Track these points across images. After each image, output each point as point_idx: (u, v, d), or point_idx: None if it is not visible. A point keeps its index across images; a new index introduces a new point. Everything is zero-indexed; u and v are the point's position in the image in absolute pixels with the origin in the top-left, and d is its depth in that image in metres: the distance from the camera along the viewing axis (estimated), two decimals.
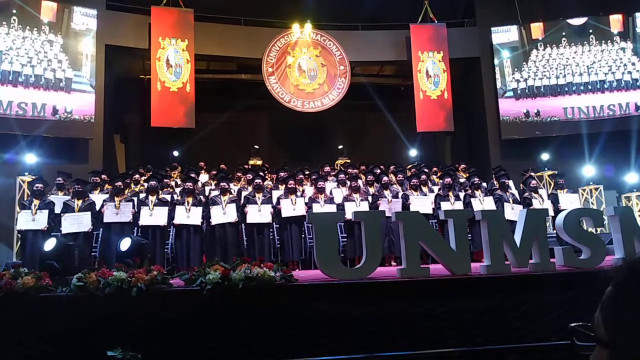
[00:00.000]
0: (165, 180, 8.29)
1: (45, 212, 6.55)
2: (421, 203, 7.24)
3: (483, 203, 7.22)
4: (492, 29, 11.92)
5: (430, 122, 11.81)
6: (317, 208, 6.96)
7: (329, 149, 12.36)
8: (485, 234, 4.05)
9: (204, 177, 9.44)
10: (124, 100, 11.79)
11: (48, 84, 9.63)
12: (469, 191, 7.69)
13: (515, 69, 11.79)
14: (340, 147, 12.33)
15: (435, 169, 9.74)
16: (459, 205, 7.24)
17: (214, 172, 9.32)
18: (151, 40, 10.63)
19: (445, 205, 7.14)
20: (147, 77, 11.54)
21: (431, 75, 11.85)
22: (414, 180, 7.81)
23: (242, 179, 8.76)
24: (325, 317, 3.60)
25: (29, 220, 6.50)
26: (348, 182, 7.84)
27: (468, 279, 3.90)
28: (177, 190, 8.16)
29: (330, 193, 7.64)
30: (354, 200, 7.21)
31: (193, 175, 8.44)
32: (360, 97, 12.52)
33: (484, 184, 8.08)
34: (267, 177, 8.80)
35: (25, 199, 7.87)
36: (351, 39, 12.15)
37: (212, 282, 3.47)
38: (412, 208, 7.05)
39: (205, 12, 11.26)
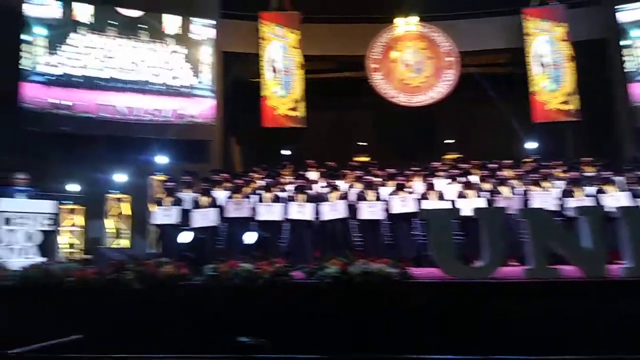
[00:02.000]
0: (278, 178, 8.67)
1: (177, 207, 7.20)
2: (543, 200, 6.74)
3: (616, 199, 6.52)
4: (618, 6, 10.70)
5: (548, 112, 10.95)
6: (428, 205, 6.81)
7: (437, 144, 12.04)
8: (626, 233, 3.67)
9: (313, 175, 9.71)
10: (239, 103, 12.56)
11: (173, 91, 10.60)
12: (598, 186, 7.01)
13: None
14: (450, 141, 11.94)
15: (556, 162, 9.01)
16: (587, 202, 6.63)
17: (323, 170, 9.55)
18: (259, 44, 11.18)
19: (570, 202, 6.59)
20: (258, 80, 12.17)
21: (548, 60, 10.97)
22: (533, 175, 7.30)
23: (351, 176, 8.87)
24: (443, 315, 3.54)
25: (163, 215, 7.21)
26: (460, 178, 7.56)
27: (605, 281, 3.56)
28: (290, 187, 8.52)
29: (441, 190, 7.43)
30: (467, 197, 6.94)
31: (303, 172, 8.74)
32: (469, 89, 11.99)
33: (618, 178, 7.29)
34: (376, 173, 8.80)
35: (159, 196, 8.73)
36: (459, 29, 11.68)
37: (331, 276, 3.57)
38: (533, 205, 6.60)
39: (309, 12, 11.56)
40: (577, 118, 10.90)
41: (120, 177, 10.09)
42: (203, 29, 10.96)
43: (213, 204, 7.27)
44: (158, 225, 7.39)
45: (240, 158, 13.26)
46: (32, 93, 9.70)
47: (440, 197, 7.10)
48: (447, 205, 6.85)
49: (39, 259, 5.83)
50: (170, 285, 3.79)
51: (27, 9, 9.84)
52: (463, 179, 7.44)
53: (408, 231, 7.03)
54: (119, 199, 9.98)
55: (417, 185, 7.89)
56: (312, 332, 3.64)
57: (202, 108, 10.66)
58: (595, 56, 11.47)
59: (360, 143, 12.28)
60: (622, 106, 10.68)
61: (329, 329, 3.61)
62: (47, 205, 6.42)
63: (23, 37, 9.78)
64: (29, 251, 6.01)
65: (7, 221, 5.92)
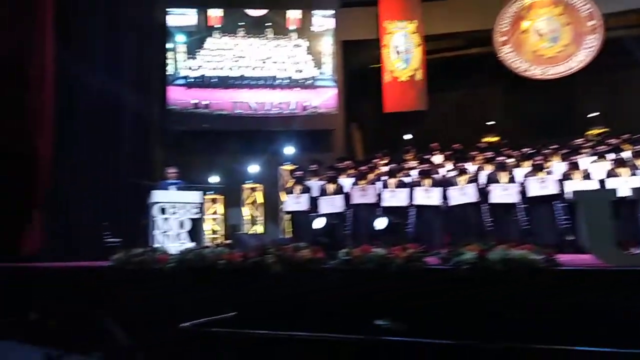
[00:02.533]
0: (402, 164, 8.59)
1: (306, 195, 7.54)
2: None
3: None
4: None
5: None
6: (571, 186, 6.23)
7: (577, 119, 10.88)
8: None
9: (438, 158, 9.44)
10: (359, 90, 12.64)
11: (298, 84, 11.05)
12: None
13: None
14: (593, 115, 10.71)
15: None
16: None
17: (449, 153, 9.23)
18: (379, 27, 11.12)
19: None
20: (378, 65, 12.11)
21: None
22: None
23: (480, 158, 8.44)
24: (596, 306, 3.21)
25: (294, 202, 7.60)
26: (608, 155, 6.77)
27: None
28: (414, 172, 8.39)
29: (587, 169, 6.73)
30: (618, 176, 6.20)
31: (428, 156, 8.54)
32: (615, 54, 10.60)
33: None
34: (508, 154, 8.27)
35: (289, 185, 9.19)
36: None
37: (468, 262, 3.44)
38: None
39: None
40: None
41: (253, 168, 10.85)
42: (323, 20, 11.22)
43: (339, 191, 7.47)
44: (289, 212, 7.81)
45: (361, 145, 13.37)
46: (176, 95, 10.85)
47: (586, 176, 6.44)
48: (594, 185, 6.20)
49: (190, 244, 6.53)
50: (307, 268, 3.97)
51: (170, 20, 10.98)
52: (612, 156, 6.64)
53: (547, 215, 6.51)
54: (253, 189, 10.74)
55: (557, 165, 7.25)
56: (446, 318, 3.57)
57: (324, 98, 10.97)
58: None
59: (489, 123, 11.58)
60: None
61: (463, 315, 3.50)
62: (194, 196, 7.14)
63: (168, 45, 10.96)
64: (181, 237, 6.76)
65: (163, 211, 6.70)
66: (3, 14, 8.08)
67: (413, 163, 9.22)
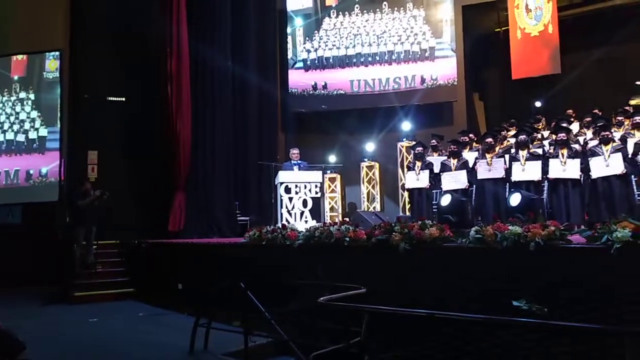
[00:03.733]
0: (535, 134, 7.93)
1: (427, 172, 7.34)
2: None
3: None
4: None
5: None
6: None
7: None
8: None
9: (575, 126, 8.56)
10: (482, 58, 11.89)
11: (415, 57, 10.71)
12: None
13: None
14: None
15: None
16: None
17: (588, 119, 8.30)
18: None
19: None
20: (503, 28, 11.21)
21: None
22: None
23: (627, 123, 7.46)
24: None
25: (415, 179, 7.45)
26: None
27: None
28: (546, 142, 7.69)
29: None
30: None
31: (564, 125, 7.75)
32: None
33: None
34: None
35: (408, 161, 9.03)
36: None
37: (622, 241, 3.07)
38: None
39: None
40: None
41: (370, 146, 10.84)
42: None
43: (462, 166, 7.15)
44: (410, 190, 7.68)
45: (485, 117, 12.61)
46: (296, 78, 11.19)
47: None
48: None
49: (313, 222, 6.77)
50: (434, 246, 3.88)
51: (289, 4, 11.30)
52: None
53: None
54: (370, 166, 10.75)
55: None
56: (593, 304, 3.24)
57: (443, 69, 10.48)
58: None
59: (637, 82, 10.14)
60: None
61: (614, 299, 3.15)
62: (315, 175, 7.37)
63: (288, 30, 11.32)
64: (305, 215, 7.04)
65: (288, 190, 7.03)
66: (143, 10, 9.01)
67: (545, 133, 8.48)
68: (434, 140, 8.58)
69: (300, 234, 4.73)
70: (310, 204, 7.11)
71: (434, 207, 7.13)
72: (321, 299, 2.99)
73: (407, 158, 10.00)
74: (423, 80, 10.58)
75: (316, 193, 7.21)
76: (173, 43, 8.61)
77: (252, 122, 10.15)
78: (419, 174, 7.44)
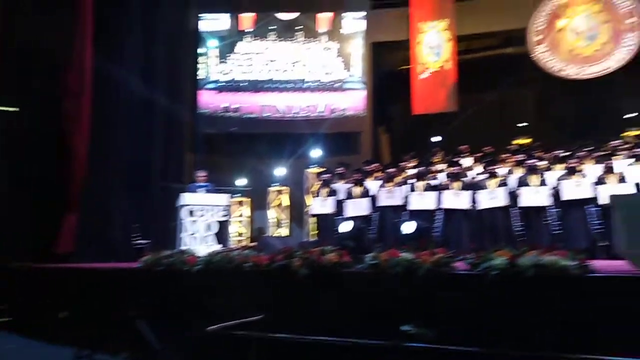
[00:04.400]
0: (430, 166, 8.48)
1: (332, 198, 7.52)
2: None
3: None
4: None
5: None
6: (605, 190, 6.02)
7: (613, 120, 10.50)
8: None
9: (467, 161, 9.28)
10: (388, 93, 12.56)
11: (326, 87, 11.08)
12: None
13: None
14: (631, 115, 10.32)
15: None
16: None
17: (479, 155, 9.06)
18: (411, 27, 11.04)
19: None
20: (407, 67, 12.00)
21: None
22: None
23: (510, 161, 8.25)
24: (635, 315, 3.08)
25: (320, 205, 7.59)
26: None
27: None
28: (442, 175, 8.26)
29: (622, 172, 6.49)
30: None
31: (457, 159, 8.39)
32: None
33: None
34: (540, 156, 8.05)
35: (315, 188, 9.20)
36: None
37: (499, 268, 3.35)
38: None
39: None
40: None
41: (280, 171, 10.90)
42: (354, 22, 11.25)
43: (366, 193, 7.42)
44: (315, 215, 7.81)
45: (389, 148, 13.28)
46: (207, 99, 11.04)
47: (622, 180, 6.20)
48: (630, 189, 5.97)
49: (217, 247, 6.60)
50: (334, 272, 3.95)
51: (202, 25, 11.21)
52: None
53: (580, 219, 6.30)
54: (279, 191, 10.79)
55: (591, 168, 7.01)
56: (474, 326, 3.49)
57: (352, 101, 10.95)
58: None
59: (520, 124, 11.31)
60: None
61: (492, 323, 3.41)
62: (221, 198, 7.22)
63: (200, 50, 11.17)
64: (208, 240, 6.84)
65: (191, 213, 6.80)
66: (45, 22, 8.42)
67: (442, 166, 9.11)
68: (340, 168, 8.84)
69: (199, 259, 4.58)
70: (214, 228, 6.93)
71: (337, 233, 7.29)
72: (211, 327, 2.89)
73: (314, 184, 10.18)
74: (333, 110, 10.94)
75: (222, 217, 7.05)
76: (74, 58, 8.11)
77: (157, 142, 9.75)
78: (324, 200, 7.59)
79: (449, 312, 3.56)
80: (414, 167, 8.17)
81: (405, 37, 11.21)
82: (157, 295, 4.76)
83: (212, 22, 11.29)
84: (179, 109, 10.32)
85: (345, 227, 4.52)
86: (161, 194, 9.33)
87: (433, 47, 10.85)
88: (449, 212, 6.83)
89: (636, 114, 10.24)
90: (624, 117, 10.42)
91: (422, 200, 6.93)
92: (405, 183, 7.62)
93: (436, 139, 12.06)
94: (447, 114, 11.10)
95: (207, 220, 6.86)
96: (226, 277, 4.25)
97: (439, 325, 3.49)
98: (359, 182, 7.63)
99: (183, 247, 5.86)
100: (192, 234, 6.74)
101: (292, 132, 10.96)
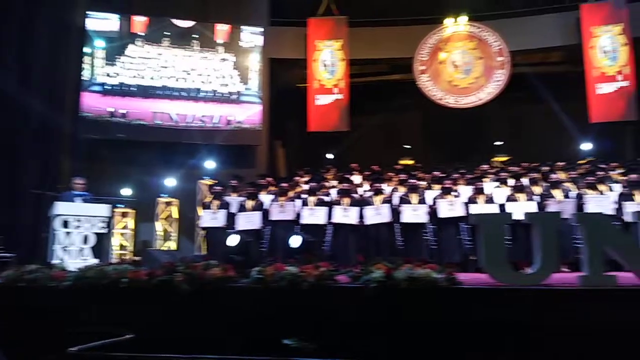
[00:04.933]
0: (323, 182, 8.71)
1: (224, 211, 7.38)
2: (599, 203, 6.42)
3: None
4: None
5: (607, 111, 10.43)
6: (476, 209, 6.65)
7: (486, 147, 11.72)
8: None
9: (357, 178, 9.70)
10: (285, 108, 12.73)
11: (222, 98, 10.91)
12: None
13: None
14: (499, 143, 11.58)
15: (615, 164, 8.57)
16: None
17: (367, 173, 9.51)
18: (308, 45, 11.36)
19: (630, 207, 6.23)
20: (304, 85, 12.30)
21: (607, 50, 10.46)
22: (588, 178, 6.96)
23: (395, 180, 8.78)
24: (492, 323, 3.42)
25: (211, 218, 7.40)
26: (510, 181, 7.32)
27: None
28: (333, 191, 8.53)
29: (490, 193, 7.23)
30: (517, 201, 6.71)
31: (347, 176, 8.74)
32: (521, 89, 11.63)
33: None
34: (420, 177, 8.67)
35: (207, 200, 8.96)
36: (511, 27, 11.35)
37: (376, 281, 3.53)
38: (588, 209, 6.30)
39: (358, 17, 11.58)
40: (636, 118, 10.31)
41: (170, 182, 10.45)
42: (252, 36, 11.23)
43: (258, 207, 7.40)
44: (205, 228, 7.59)
45: (284, 162, 13.43)
46: (91, 102, 10.26)
47: (489, 200, 6.90)
48: (495, 209, 6.66)
49: (93, 261, 6.10)
50: (217, 287, 3.86)
51: (89, 24, 10.44)
52: (513, 182, 7.19)
53: (454, 236, 6.88)
54: (168, 203, 10.34)
55: (465, 188, 7.71)
56: (355, 337, 3.62)
57: (249, 114, 10.90)
58: None
59: (406, 146, 12.13)
60: None
61: (371, 334, 3.57)
62: (101, 209, 6.69)
63: (85, 49, 10.38)
64: (84, 253, 6.29)
65: (65, 224, 6.21)
66: None
67: (334, 182, 9.41)
68: (234, 181, 8.72)
69: (69, 275, 4.19)
70: (92, 240, 6.41)
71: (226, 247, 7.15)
72: (72, 348, 2.66)
73: (206, 196, 9.91)
74: (229, 122, 10.81)
75: (101, 228, 6.54)
76: None
77: (29, 146, 8.85)
78: (215, 212, 7.42)
79: (332, 325, 3.65)
80: (307, 182, 8.34)
81: (302, 56, 11.50)
82: (20, 313, 4.27)
83: (101, 22, 10.58)
84: (57, 111, 9.47)
85: (232, 240, 4.46)
86: (34, 203, 8.45)
87: (328, 65, 11.28)
88: (338, 226, 7.05)
89: (502, 142, 11.52)
90: (494, 143, 11.66)
91: (313, 215, 7.08)
92: (299, 197, 7.75)
93: (330, 156, 12.49)
94: (341, 133, 11.54)
95: (83, 231, 6.32)
96: (99, 294, 3.94)
97: (322, 337, 3.57)
98: (252, 196, 7.59)
99: (54, 261, 5.33)
100: (66, 247, 6.17)
101: (185, 142, 10.61)
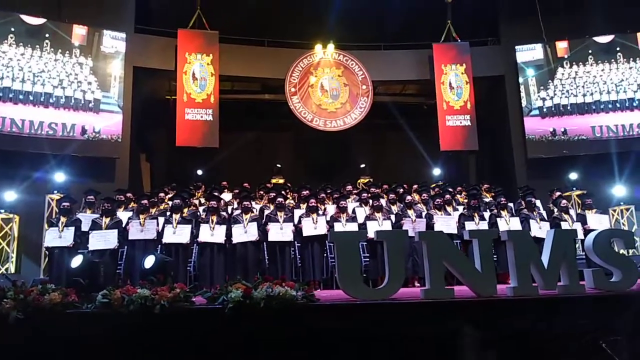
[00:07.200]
0: (190, 200, 8.39)
1: (72, 229, 6.69)
2: (445, 223, 7.15)
3: (509, 223, 7.09)
4: (517, 47, 11.88)
5: (453, 141, 11.73)
6: (339, 227, 6.93)
7: (351, 168, 12.36)
8: (512, 255, 3.96)
9: (227, 196, 9.52)
10: (151, 120, 12.08)
11: (78, 105, 9.98)
12: (495, 211, 7.59)
13: (541, 87, 11.69)
14: (363, 165, 12.31)
15: (459, 188, 9.63)
16: (484, 226, 7.13)
17: (237, 191, 9.40)
18: (178, 56, 10.98)
19: (469, 225, 7.04)
20: (172, 97, 11.82)
21: (454, 86, 11.85)
22: (437, 200, 7.72)
23: (264, 198, 8.81)
24: (346, 337, 3.56)
25: (56, 237, 6.65)
26: (370, 201, 7.80)
27: (494, 300, 3.80)
28: (201, 208, 8.25)
29: (353, 212, 7.62)
30: (376, 220, 7.16)
31: (217, 194, 8.52)
32: (382, 116, 12.57)
33: (511, 204, 7.93)
34: (289, 195, 8.82)
35: (54, 216, 8.05)
36: (374, 59, 12.25)
37: (234, 301, 3.46)
38: (437, 228, 6.97)
39: (230, 34, 11.53)
40: (477, 148, 11.78)
41: (10, 196, 9.19)
42: (113, 41, 10.49)
43: (114, 225, 6.86)
44: (49, 248, 6.81)
45: (149, 177, 12.69)
46: None
47: (351, 219, 7.25)
48: (355, 227, 7.01)
49: None
50: (56, 314, 3.45)
51: None
52: (372, 202, 7.66)
53: (319, 253, 7.08)
54: (7, 220, 9.08)
55: (330, 207, 8.02)
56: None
57: (108, 124, 10.10)
58: (495, 91, 12.53)
59: (277, 165, 12.28)
60: (518, 138, 11.72)
61: (229, 356, 3.48)
62: None
63: None
64: None
65: None
66: None
67: (202, 199, 9.10)
68: (90, 196, 7.98)
69: None
70: None
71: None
72: None
73: (56, 212, 8.91)
74: (84, 131, 9.90)
75: None
76: None
77: None
78: (62, 230, 6.70)
79: (187, 348, 3.48)
80: (171, 199, 7.95)
81: (171, 67, 11.06)
82: None
83: None
84: None
85: (75, 262, 4.04)
86: None
87: (198, 78, 10.98)
88: (204, 245, 6.82)
89: (364, 165, 12.27)
90: (360, 166, 12.36)
91: (177, 234, 6.76)
92: (161, 215, 7.34)
93: (200, 172, 12.10)
94: (212, 149, 11.27)
95: None
96: None
97: None
98: (107, 213, 7.00)
99: None
100: None
101: (31, 152, 9.44)
